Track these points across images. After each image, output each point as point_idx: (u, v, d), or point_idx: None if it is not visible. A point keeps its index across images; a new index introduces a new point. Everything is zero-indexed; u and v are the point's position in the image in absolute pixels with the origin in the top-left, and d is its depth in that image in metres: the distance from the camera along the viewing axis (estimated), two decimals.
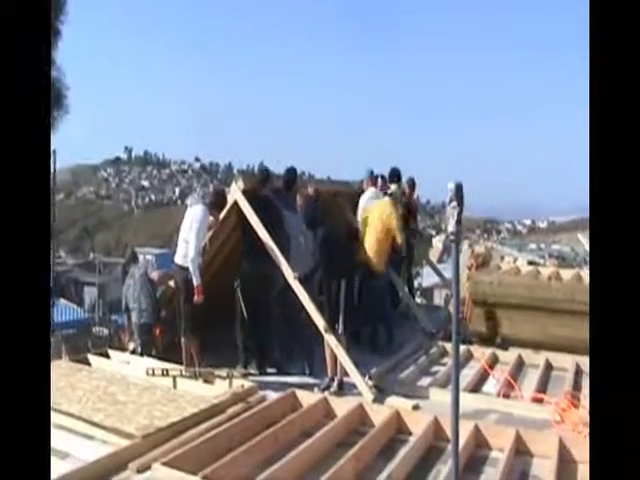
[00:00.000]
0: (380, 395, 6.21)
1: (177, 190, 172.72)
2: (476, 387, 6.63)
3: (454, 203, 3.22)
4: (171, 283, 7.63)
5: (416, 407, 5.88)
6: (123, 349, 8.11)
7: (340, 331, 6.45)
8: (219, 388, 6.23)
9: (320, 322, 6.49)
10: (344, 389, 6.42)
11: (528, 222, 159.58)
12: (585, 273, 9.58)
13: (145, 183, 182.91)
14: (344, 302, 6.45)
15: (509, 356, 7.60)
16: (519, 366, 7.39)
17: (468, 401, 5.80)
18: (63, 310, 19.62)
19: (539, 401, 6.04)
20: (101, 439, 5.00)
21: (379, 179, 9.36)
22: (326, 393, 6.20)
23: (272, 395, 6.03)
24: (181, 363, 6.72)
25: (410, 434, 5.23)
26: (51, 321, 11.47)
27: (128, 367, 7.17)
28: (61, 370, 6.69)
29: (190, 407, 5.46)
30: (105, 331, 14.54)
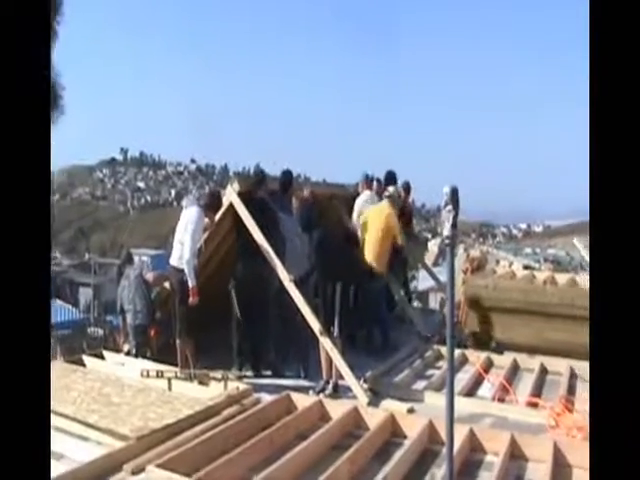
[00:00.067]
0: (375, 398, 6.21)
1: (173, 191, 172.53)
2: (471, 391, 6.63)
3: (449, 207, 3.22)
4: (166, 284, 7.61)
5: (411, 410, 5.88)
6: (118, 350, 8.10)
7: (335, 334, 6.45)
8: (214, 390, 6.22)
9: (315, 325, 6.49)
10: (339, 392, 6.42)
11: (524, 226, 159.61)
12: (580, 278, 9.59)
13: (141, 184, 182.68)
14: (339, 305, 6.45)
15: (504, 360, 7.60)
16: (514, 370, 7.39)
17: (463, 405, 5.80)
18: (58, 311, 19.60)
19: (534, 405, 6.04)
20: (96, 440, 5.00)
21: (374, 182, 9.38)
22: (321, 396, 6.19)
23: (267, 397, 6.03)
24: (176, 365, 6.71)
25: (405, 437, 5.23)
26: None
27: (123, 368, 7.15)
28: (56, 371, 6.68)
29: (185, 409, 5.46)
30: (100, 332, 14.53)
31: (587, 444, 4.72)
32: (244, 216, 6.97)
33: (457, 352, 7.32)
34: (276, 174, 7.85)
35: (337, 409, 5.62)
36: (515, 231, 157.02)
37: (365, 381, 6.44)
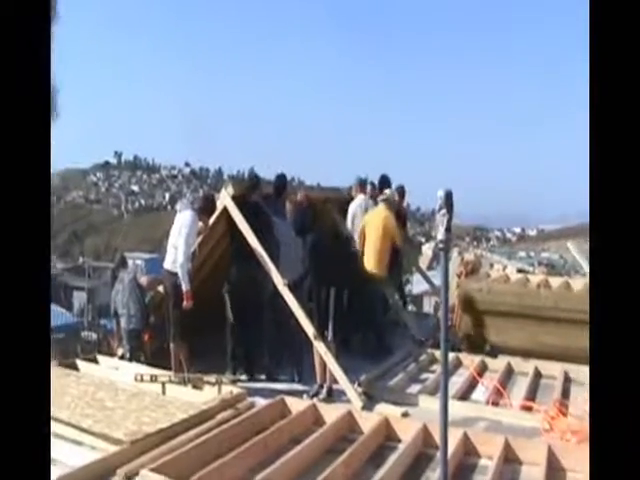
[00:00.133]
0: (369, 402, 6.21)
1: (167, 195, 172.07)
2: (465, 395, 6.63)
3: (443, 211, 3.22)
4: (160, 288, 7.61)
5: (405, 414, 5.88)
6: (112, 354, 8.09)
7: (329, 338, 6.45)
8: (208, 394, 6.21)
9: (309, 329, 6.49)
10: (333, 396, 6.42)
11: (518, 230, 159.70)
12: (574, 281, 9.62)
13: (135, 188, 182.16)
14: (333, 309, 6.45)
15: (498, 364, 7.61)
16: (508, 374, 7.40)
17: (457, 409, 5.80)
18: (52, 314, 19.50)
19: (528, 409, 6.05)
20: (89, 445, 4.99)
21: (368, 186, 9.40)
22: (315, 400, 6.19)
23: (261, 401, 6.02)
24: (170, 369, 6.70)
25: (399, 441, 5.23)
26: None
27: (117, 373, 7.14)
28: None
29: (179, 413, 5.44)
30: (94, 336, 14.52)
31: (581, 448, 4.76)
32: (238, 220, 6.97)
33: (451, 356, 7.31)
34: (270, 178, 7.86)
35: (331, 413, 5.61)
36: (509, 235, 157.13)
37: (359, 385, 6.43)
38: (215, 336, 7.27)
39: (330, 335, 6.44)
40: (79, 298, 30.62)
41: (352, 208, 9.11)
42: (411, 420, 5.64)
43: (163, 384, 6.40)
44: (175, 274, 6.62)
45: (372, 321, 8.33)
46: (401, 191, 10.05)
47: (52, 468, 4.40)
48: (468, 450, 4.98)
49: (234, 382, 6.70)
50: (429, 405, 5.99)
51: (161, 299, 7.58)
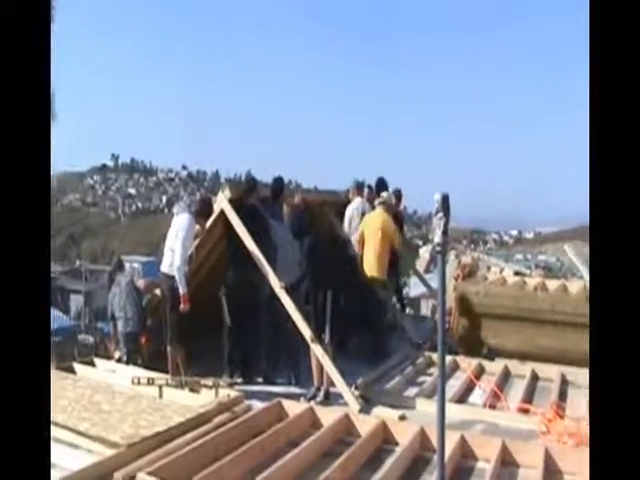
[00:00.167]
0: (366, 405, 6.21)
1: (164, 198, 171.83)
2: (462, 398, 6.63)
3: (440, 214, 3.23)
4: (157, 291, 7.60)
5: (402, 417, 5.88)
6: (109, 357, 8.06)
7: (326, 341, 6.45)
8: (205, 397, 6.20)
9: (306, 332, 6.49)
10: (330, 399, 6.42)
11: (515, 233, 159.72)
12: (571, 284, 9.63)
13: (132, 191, 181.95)
14: (330, 312, 6.44)
15: (495, 366, 7.61)
16: (505, 376, 7.40)
17: (454, 411, 5.80)
18: None
19: (525, 412, 6.05)
20: (86, 448, 4.97)
21: (365, 189, 9.41)
22: (312, 403, 6.19)
23: (258, 404, 6.01)
24: (167, 372, 6.69)
25: (396, 444, 5.22)
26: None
27: (114, 376, 7.12)
28: None
29: (176, 416, 5.43)
30: (91, 339, 14.47)
31: (578, 450, 4.76)
32: (235, 223, 6.97)
33: (448, 359, 7.32)
34: (267, 181, 7.88)
35: (328, 416, 5.61)
36: (506, 238, 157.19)
37: (356, 388, 6.44)
38: (212, 339, 7.26)
39: (327, 338, 6.44)
40: (76, 301, 30.64)
41: (349, 211, 9.12)
42: (408, 423, 5.64)
43: (160, 387, 6.38)
44: (172, 277, 6.62)
45: (369, 324, 8.32)
46: (398, 194, 10.06)
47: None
48: (465, 453, 4.98)
49: (231, 385, 6.68)
50: (426, 408, 5.99)
51: (158, 302, 7.57)
